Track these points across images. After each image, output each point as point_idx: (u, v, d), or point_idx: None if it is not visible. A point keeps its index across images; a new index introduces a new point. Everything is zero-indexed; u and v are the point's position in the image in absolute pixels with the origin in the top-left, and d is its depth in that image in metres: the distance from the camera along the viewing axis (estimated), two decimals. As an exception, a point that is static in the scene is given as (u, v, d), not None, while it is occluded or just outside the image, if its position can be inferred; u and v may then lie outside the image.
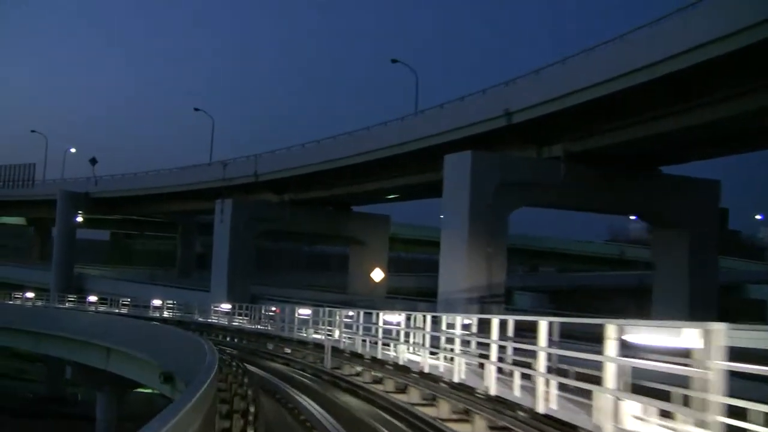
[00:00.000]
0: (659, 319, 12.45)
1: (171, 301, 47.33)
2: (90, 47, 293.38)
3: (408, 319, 15.67)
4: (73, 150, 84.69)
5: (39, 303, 55.32)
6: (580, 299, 69.88)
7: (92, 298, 52.81)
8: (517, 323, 10.08)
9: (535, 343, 8.56)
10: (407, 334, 15.64)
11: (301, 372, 19.72)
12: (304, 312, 26.46)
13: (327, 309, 23.24)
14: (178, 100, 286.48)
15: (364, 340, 18.41)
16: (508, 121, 29.87)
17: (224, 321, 37.73)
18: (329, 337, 20.64)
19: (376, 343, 17.34)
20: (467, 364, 12.10)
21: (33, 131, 77.36)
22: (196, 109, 61.46)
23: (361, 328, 19.10)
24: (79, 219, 67.98)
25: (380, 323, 17.32)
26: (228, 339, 31.72)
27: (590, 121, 28.63)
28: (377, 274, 49.39)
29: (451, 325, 12.96)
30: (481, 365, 11.18)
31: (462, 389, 11.24)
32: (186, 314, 43.42)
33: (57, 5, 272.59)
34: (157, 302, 47.05)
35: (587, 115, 27.95)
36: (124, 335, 28.13)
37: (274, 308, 32.38)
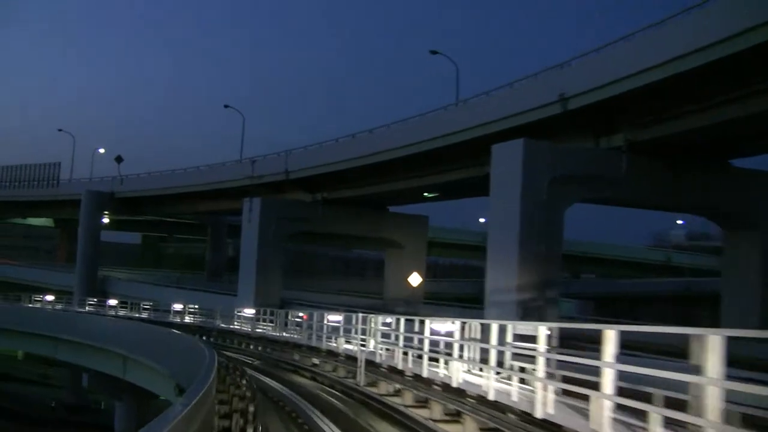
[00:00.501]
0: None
1: (193, 306, 44.58)
2: (124, 46, 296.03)
3: (463, 328, 12.28)
4: (101, 150, 76.71)
5: (59, 306, 53.37)
6: (621, 306, 66.71)
7: (112, 302, 49.56)
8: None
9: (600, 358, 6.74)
10: (462, 347, 12.25)
11: (329, 389, 16.84)
12: (335, 318, 23.34)
13: (360, 315, 20.04)
14: (211, 100, 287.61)
15: (405, 353, 15.10)
16: (564, 108, 26.74)
17: (247, 327, 34.79)
18: (363, 348, 17.66)
19: (420, 356, 13.97)
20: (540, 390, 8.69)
21: (60, 130, 73.43)
22: (226, 106, 58.19)
23: (401, 338, 15.72)
24: (105, 220, 65.17)
25: (427, 333, 13.92)
26: (250, 347, 29.07)
27: (657, 105, 25.36)
28: (414, 279, 46.23)
29: (522, 338, 9.86)
30: (572, 394, 8.12)
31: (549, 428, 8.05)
32: (209, 319, 40.75)
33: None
34: (177, 306, 43.71)
35: (653, 99, 24.75)
36: (140, 342, 25.90)
37: (301, 314, 29.59)
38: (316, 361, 21.57)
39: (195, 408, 6.58)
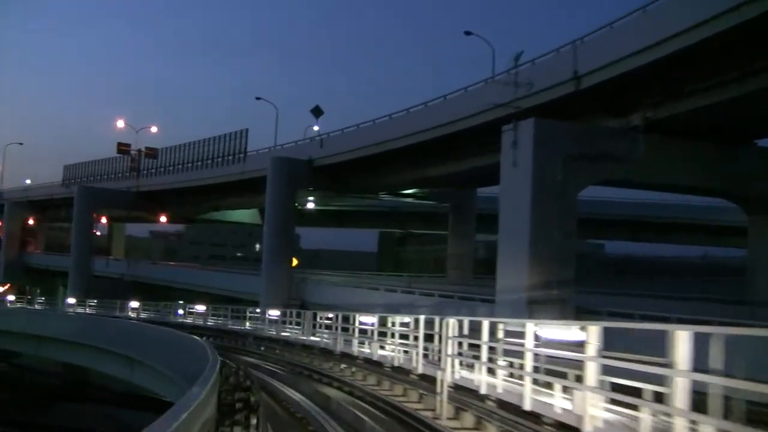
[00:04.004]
0: None
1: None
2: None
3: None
4: (315, 128, 50.17)
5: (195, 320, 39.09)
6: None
7: (274, 312, 31.83)
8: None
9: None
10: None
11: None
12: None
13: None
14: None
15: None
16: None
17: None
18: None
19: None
20: None
21: (258, 98, 53.84)
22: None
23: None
24: (310, 205, 50.88)
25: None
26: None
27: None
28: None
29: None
30: None
31: None
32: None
33: None
34: (368, 320, 19.83)
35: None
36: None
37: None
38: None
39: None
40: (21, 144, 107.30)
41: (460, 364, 11.87)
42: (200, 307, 37.96)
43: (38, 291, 72.70)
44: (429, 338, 14.31)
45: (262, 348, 26.80)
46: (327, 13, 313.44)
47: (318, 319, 24.37)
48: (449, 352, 11.55)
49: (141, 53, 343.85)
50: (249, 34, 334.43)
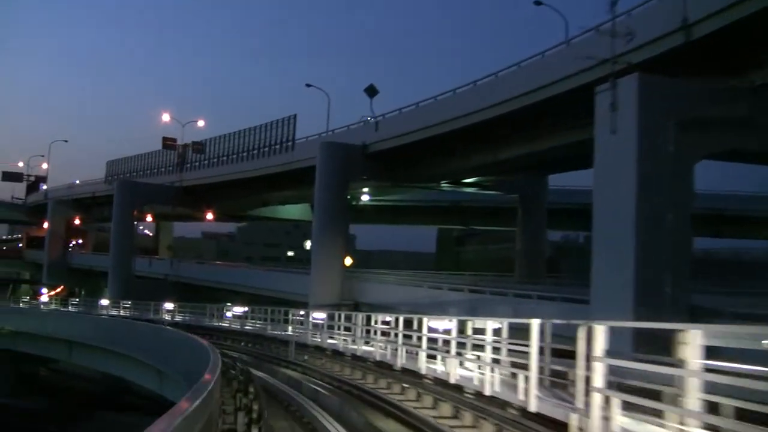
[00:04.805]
0: None
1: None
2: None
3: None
4: (369, 119, 40.98)
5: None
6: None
7: (318, 316, 26.22)
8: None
9: None
10: None
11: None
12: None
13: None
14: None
15: None
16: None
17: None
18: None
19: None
20: None
21: (309, 85, 49.95)
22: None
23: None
24: (365, 197, 46.49)
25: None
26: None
27: None
28: None
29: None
30: None
31: None
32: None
33: None
34: (440, 325, 14.83)
35: None
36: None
37: None
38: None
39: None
40: (66, 141, 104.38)
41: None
42: (238, 309, 33.63)
43: (83, 292, 70.32)
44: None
45: (306, 358, 22.23)
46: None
47: (373, 323, 19.08)
48: (599, 383, 6.69)
49: (188, 51, 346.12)
50: (299, 29, 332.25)
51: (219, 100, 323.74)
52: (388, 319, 17.36)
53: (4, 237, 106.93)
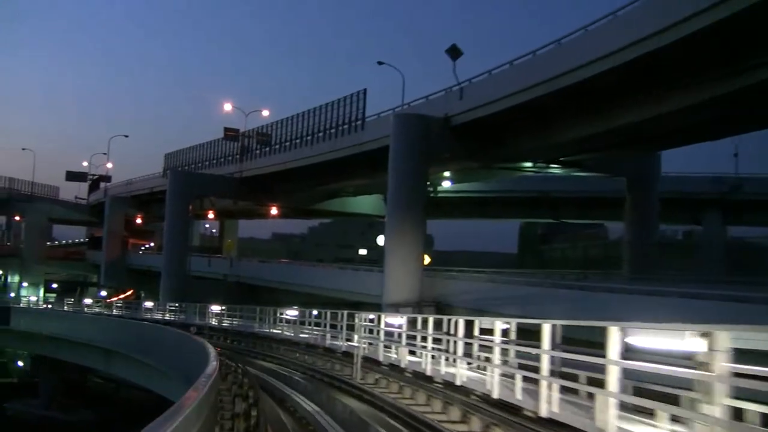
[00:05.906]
0: None
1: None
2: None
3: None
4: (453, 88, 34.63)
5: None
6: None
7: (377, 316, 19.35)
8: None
9: None
10: None
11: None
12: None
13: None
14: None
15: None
16: None
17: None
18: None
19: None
20: None
21: (381, 63, 44.65)
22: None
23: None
24: (446, 184, 42.82)
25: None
26: None
27: None
28: None
29: None
30: None
31: None
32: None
33: None
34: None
35: None
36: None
37: None
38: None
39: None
40: (126, 136, 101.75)
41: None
42: (292, 313, 27.43)
43: (142, 294, 66.41)
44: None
45: (376, 379, 15.86)
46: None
47: (477, 333, 11.67)
48: None
49: (254, 44, 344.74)
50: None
51: (284, 91, 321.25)
52: (503, 325, 10.70)
53: (79, 240, 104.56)
